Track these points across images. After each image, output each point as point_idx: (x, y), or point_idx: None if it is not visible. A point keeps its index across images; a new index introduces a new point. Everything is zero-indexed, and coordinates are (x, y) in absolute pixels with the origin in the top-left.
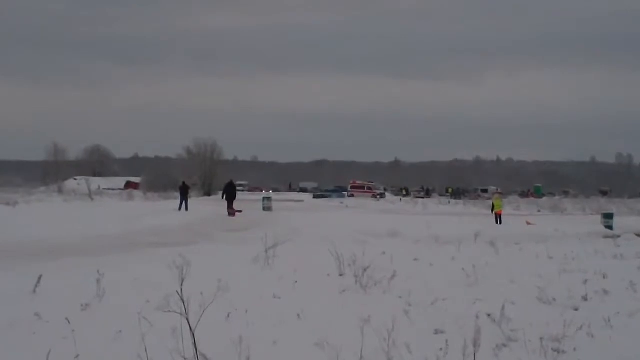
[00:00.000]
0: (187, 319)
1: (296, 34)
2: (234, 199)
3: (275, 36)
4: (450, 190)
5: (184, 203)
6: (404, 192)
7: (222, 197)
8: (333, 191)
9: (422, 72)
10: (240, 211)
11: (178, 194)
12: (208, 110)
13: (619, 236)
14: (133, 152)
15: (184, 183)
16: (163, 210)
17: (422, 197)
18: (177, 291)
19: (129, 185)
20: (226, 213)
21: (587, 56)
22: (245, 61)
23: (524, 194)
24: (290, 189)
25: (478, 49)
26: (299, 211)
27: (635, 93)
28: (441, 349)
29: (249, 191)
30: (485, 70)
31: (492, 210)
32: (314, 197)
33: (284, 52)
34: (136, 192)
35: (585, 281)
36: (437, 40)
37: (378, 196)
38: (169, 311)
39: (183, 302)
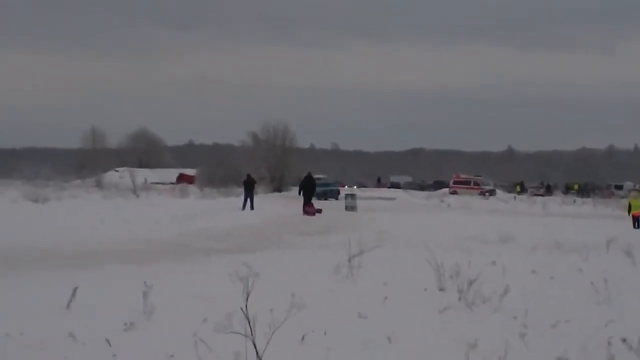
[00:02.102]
0: (253, 342)
1: None
2: (313, 195)
3: None
4: (575, 186)
5: (248, 200)
6: (519, 189)
7: (299, 194)
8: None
9: (543, 41)
10: (319, 211)
11: (241, 190)
12: (280, 88)
13: None
14: (187, 138)
15: (249, 176)
16: (223, 209)
17: (542, 195)
18: (241, 308)
19: (181, 178)
20: (301, 212)
21: None
22: (329, 27)
23: None
24: (379, 184)
25: (614, 12)
26: (389, 211)
27: None
28: None
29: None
30: (622, 40)
31: (629, 212)
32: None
33: (378, 17)
34: (191, 187)
35: None
36: (562, 2)
37: (487, 193)
38: (231, 332)
39: (248, 322)
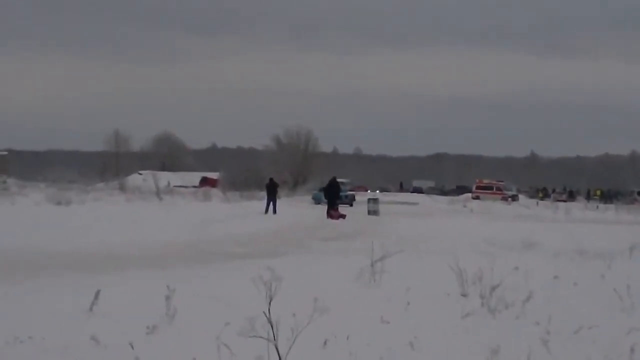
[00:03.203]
0: (276, 346)
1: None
2: (337, 199)
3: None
4: (598, 192)
5: (271, 204)
6: (541, 194)
7: (324, 197)
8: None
9: (566, 47)
10: (343, 216)
11: (264, 194)
12: (304, 93)
13: None
14: (210, 141)
15: (271, 180)
16: (246, 213)
17: (564, 201)
18: (264, 312)
19: (205, 182)
20: (323, 217)
21: None
22: (353, 33)
23: None
24: (402, 188)
25: (637, 17)
26: (412, 216)
27: None
28: None
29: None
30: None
31: None
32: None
33: (401, 23)
34: (214, 191)
35: None
36: (584, 9)
37: (509, 199)
38: (254, 336)
39: (271, 326)
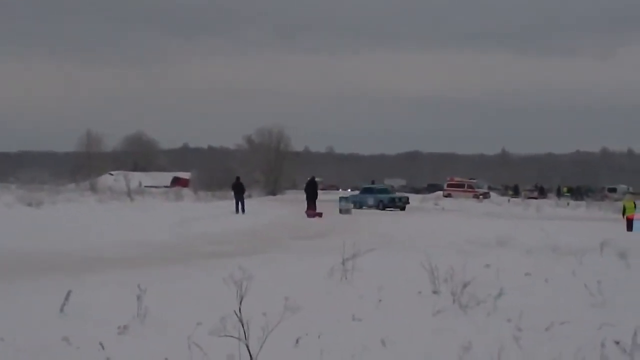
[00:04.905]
0: (247, 345)
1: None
2: (316, 198)
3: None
4: (565, 189)
5: (239, 204)
6: (512, 192)
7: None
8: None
9: (538, 46)
10: (320, 214)
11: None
12: (276, 93)
13: None
14: (182, 141)
15: (237, 179)
16: (218, 212)
17: (536, 198)
18: (235, 311)
19: (176, 182)
20: (297, 215)
21: None
22: (326, 34)
23: None
24: None
25: (610, 17)
26: (383, 214)
27: None
28: None
29: (322, 190)
30: (618, 44)
31: (623, 215)
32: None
33: (373, 23)
34: (185, 191)
35: None
36: (557, 9)
37: (481, 196)
38: (225, 335)
39: (242, 325)
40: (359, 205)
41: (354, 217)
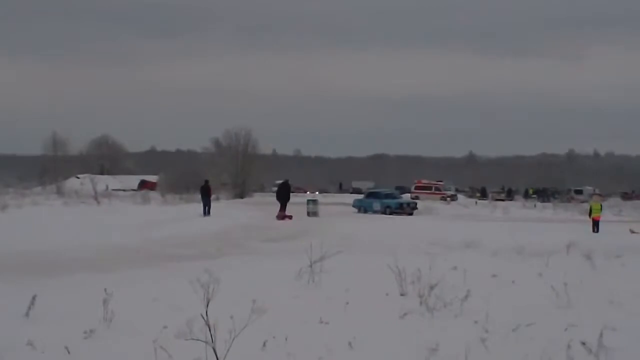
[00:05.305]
0: (214, 349)
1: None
2: (288, 201)
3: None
4: (531, 190)
5: (206, 207)
6: (480, 194)
7: (277, 199)
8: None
9: (505, 47)
10: (290, 217)
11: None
12: (244, 95)
13: None
14: (149, 144)
15: (206, 182)
16: (186, 215)
17: (503, 200)
18: (201, 314)
19: (143, 185)
20: (265, 219)
21: None
22: (295, 35)
23: (627, 196)
24: (341, 189)
25: (576, 19)
26: (352, 217)
27: None
28: None
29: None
30: (585, 46)
31: (589, 216)
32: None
33: (341, 24)
34: (152, 194)
35: None
36: (525, 9)
37: (448, 198)
38: (192, 339)
39: (209, 328)
40: (364, 210)
41: (323, 219)
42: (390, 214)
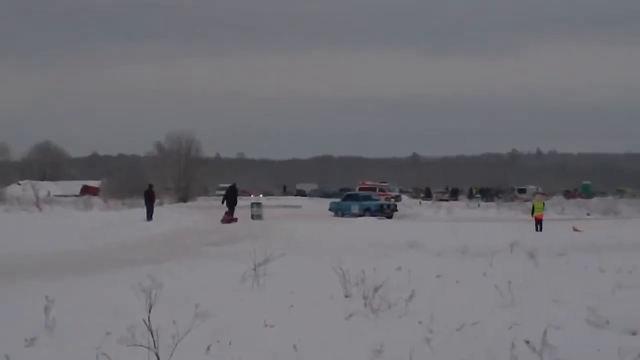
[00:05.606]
0: (157, 354)
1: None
2: (235, 205)
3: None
4: (475, 190)
5: (149, 211)
6: (424, 194)
7: (222, 202)
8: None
9: (450, 46)
10: (235, 219)
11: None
12: (187, 98)
13: None
14: (91, 150)
15: (150, 187)
16: (129, 220)
17: (447, 200)
18: (143, 320)
19: (86, 190)
20: (210, 222)
21: None
22: (237, 37)
23: (570, 194)
24: (285, 192)
25: (518, 21)
26: (296, 219)
27: None
28: None
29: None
30: (526, 45)
31: (532, 215)
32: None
33: (285, 26)
34: (94, 199)
35: None
36: (469, 9)
37: (392, 199)
38: (135, 345)
39: (151, 333)
40: (342, 213)
41: (268, 222)
42: (370, 217)
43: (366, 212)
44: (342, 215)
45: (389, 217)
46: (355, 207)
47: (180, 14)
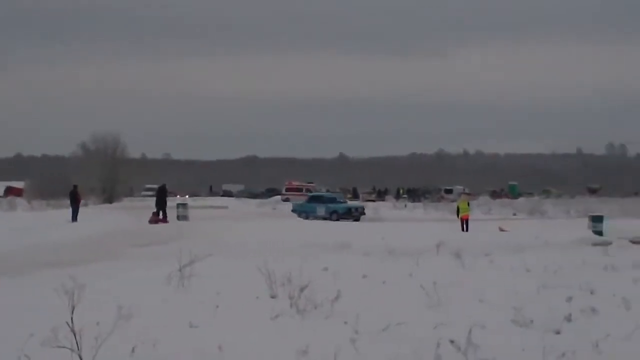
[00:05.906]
0: (80, 356)
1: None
2: (165, 205)
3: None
4: (402, 190)
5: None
6: (351, 195)
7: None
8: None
9: (377, 47)
10: (167, 220)
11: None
12: (113, 98)
13: (610, 243)
14: (15, 150)
15: (75, 188)
16: (54, 222)
17: (374, 200)
18: (66, 322)
19: (9, 191)
20: (136, 223)
21: (573, 33)
22: (166, 37)
23: (496, 194)
24: (212, 192)
25: (445, 19)
26: (223, 220)
27: (628, 73)
28: None
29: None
30: (453, 46)
31: (458, 215)
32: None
33: (213, 24)
34: (19, 200)
35: (570, 298)
36: (396, 10)
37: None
38: (58, 346)
39: (74, 335)
40: (305, 215)
41: (194, 223)
42: (337, 220)
43: (333, 214)
44: (307, 217)
45: (357, 220)
46: (321, 209)
47: (110, 15)
